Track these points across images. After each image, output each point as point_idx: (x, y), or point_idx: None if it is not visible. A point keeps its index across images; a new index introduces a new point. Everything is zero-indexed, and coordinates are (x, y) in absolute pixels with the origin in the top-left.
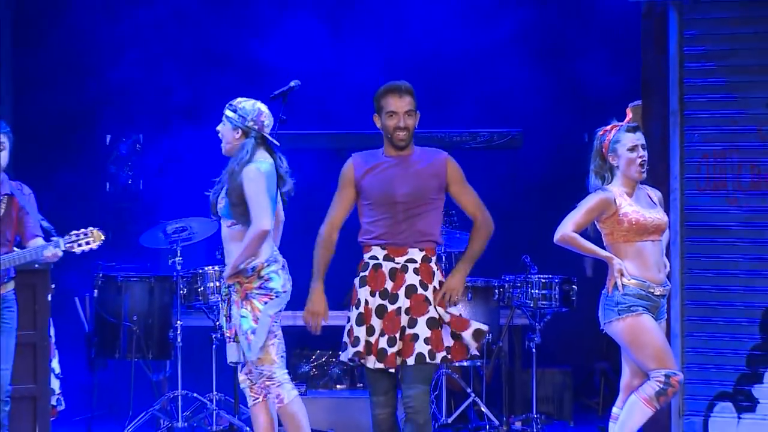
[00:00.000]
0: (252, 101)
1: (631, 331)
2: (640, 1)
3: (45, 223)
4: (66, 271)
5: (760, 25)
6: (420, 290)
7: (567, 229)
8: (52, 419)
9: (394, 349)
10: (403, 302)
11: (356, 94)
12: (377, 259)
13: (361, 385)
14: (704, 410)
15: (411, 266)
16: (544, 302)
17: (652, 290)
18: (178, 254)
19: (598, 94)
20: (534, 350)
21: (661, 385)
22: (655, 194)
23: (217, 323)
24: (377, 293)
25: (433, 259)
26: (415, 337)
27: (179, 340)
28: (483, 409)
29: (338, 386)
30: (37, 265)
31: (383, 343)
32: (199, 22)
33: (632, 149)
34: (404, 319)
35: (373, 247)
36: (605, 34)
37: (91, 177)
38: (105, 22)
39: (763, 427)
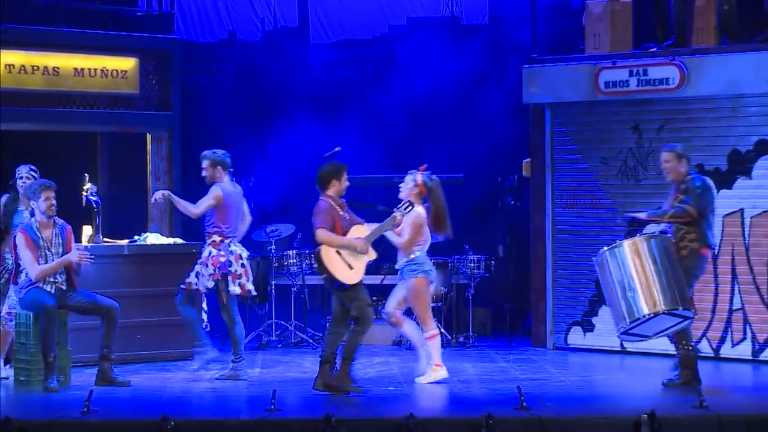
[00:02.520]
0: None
1: None
2: (529, 103)
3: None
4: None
5: (595, 117)
6: None
7: None
8: None
9: None
10: None
11: None
12: None
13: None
14: (565, 331)
15: None
16: (476, 270)
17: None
18: (273, 244)
19: (506, 153)
20: (470, 297)
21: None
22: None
23: (295, 282)
24: None
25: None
26: None
27: (273, 291)
28: (442, 330)
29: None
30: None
31: None
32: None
33: None
34: None
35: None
36: (512, 119)
37: None
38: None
39: (598, 339)
